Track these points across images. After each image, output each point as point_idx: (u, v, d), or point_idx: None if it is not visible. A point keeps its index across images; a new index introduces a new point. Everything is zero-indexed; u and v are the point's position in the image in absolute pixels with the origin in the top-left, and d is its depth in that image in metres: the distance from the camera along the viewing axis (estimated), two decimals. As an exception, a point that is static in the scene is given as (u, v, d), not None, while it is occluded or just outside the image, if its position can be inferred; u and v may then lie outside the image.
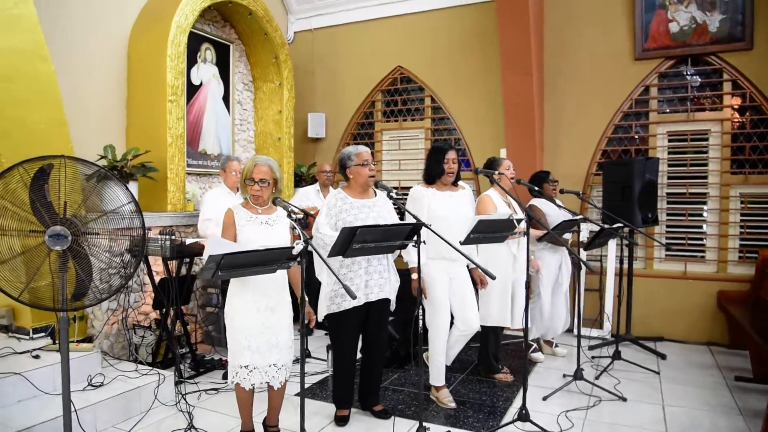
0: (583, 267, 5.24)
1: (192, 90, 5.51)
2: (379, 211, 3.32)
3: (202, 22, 5.67)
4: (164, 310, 4.09)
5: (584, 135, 5.74)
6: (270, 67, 6.29)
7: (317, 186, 5.69)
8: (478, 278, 3.81)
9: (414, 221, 2.85)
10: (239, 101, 6.24)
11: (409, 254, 3.56)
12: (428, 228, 2.88)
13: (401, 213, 4.17)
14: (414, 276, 3.58)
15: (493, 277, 2.71)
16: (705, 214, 5.42)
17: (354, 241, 2.68)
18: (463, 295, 3.71)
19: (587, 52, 5.68)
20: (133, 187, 4.47)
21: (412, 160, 6.67)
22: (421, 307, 2.97)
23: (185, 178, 5.06)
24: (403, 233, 2.85)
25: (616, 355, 4.52)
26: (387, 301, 3.37)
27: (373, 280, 3.25)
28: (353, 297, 2.29)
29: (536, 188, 3.96)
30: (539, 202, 4.64)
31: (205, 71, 5.68)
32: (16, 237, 2.49)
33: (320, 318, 3.30)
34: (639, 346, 5.03)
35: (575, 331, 4.18)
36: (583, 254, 4.91)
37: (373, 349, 3.46)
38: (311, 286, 3.70)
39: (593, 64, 5.66)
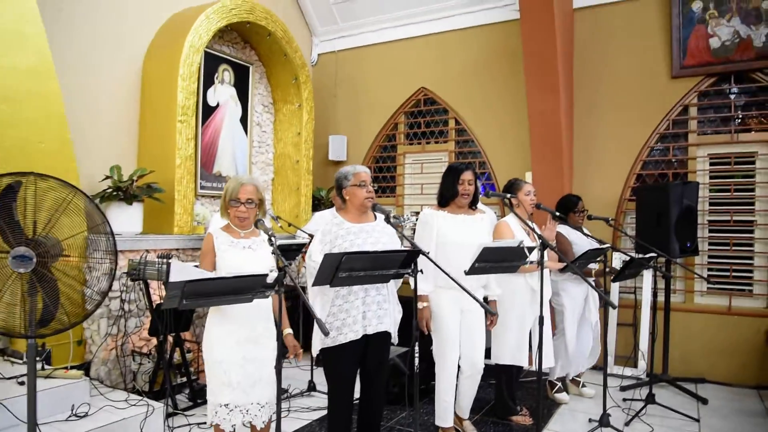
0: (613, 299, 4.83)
1: (208, 111, 5.44)
2: (378, 237, 3.06)
3: (221, 43, 5.63)
4: (162, 336, 3.91)
5: (617, 158, 5.37)
6: (290, 89, 6.19)
7: (334, 210, 5.49)
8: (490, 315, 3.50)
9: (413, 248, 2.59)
10: (258, 123, 6.15)
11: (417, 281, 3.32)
12: (425, 255, 2.61)
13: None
14: (420, 305, 3.31)
15: (491, 312, 2.42)
16: (752, 243, 4.94)
17: (340, 269, 2.44)
18: (472, 331, 3.41)
19: (621, 70, 5.34)
20: (138, 208, 4.37)
21: (435, 184, 6.36)
22: (418, 340, 2.68)
23: (194, 200, 4.94)
24: (397, 261, 2.59)
25: (650, 399, 4.08)
26: (387, 334, 3.09)
27: (371, 311, 2.97)
28: (325, 333, 2.03)
29: (557, 213, 3.64)
30: (565, 230, 4.30)
31: (223, 92, 5.61)
32: (-19, 258, 2.35)
33: (314, 352, 3.05)
34: (677, 389, 4.55)
35: (606, 370, 3.77)
36: (614, 287, 4.52)
37: (372, 387, 3.16)
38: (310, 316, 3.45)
39: (627, 82, 5.32)
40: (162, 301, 3.97)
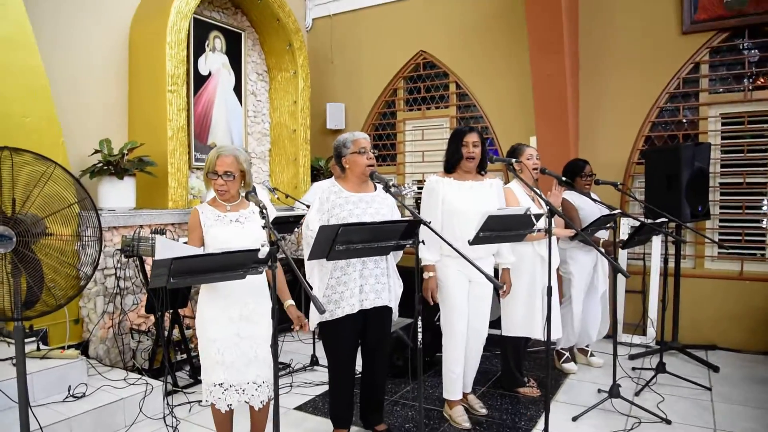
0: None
1: (200, 81, 5.25)
2: (378, 207, 2.92)
3: (210, 9, 5.40)
4: (159, 313, 3.81)
5: (625, 119, 5.17)
6: (284, 56, 5.97)
7: (333, 179, 5.35)
8: (502, 281, 3.38)
9: (414, 218, 2.45)
10: (253, 92, 5.95)
11: (421, 250, 3.17)
12: (427, 226, 2.47)
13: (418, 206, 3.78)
14: (425, 275, 3.20)
15: (498, 286, 2.29)
16: (765, 206, 4.78)
17: (336, 242, 2.31)
18: (479, 301, 3.30)
19: (628, 27, 5.10)
20: (130, 183, 4.22)
21: (437, 151, 6.23)
22: (421, 312, 2.56)
23: (189, 173, 4.80)
24: (397, 232, 2.46)
25: (661, 368, 3.98)
26: (387, 309, 2.97)
27: (369, 284, 2.86)
28: (321, 311, 1.91)
29: (564, 179, 3.49)
30: (572, 195, 4.15)
31: (214, 61, 5.40)
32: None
33: (312, 326, 2.95)
34: (687, 356, 4.46)
35: (615, 338, 3.65)
36: (622, 253, 4.39)
37: (373, 362, 3.08)
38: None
39: (634, 40, 5.08)
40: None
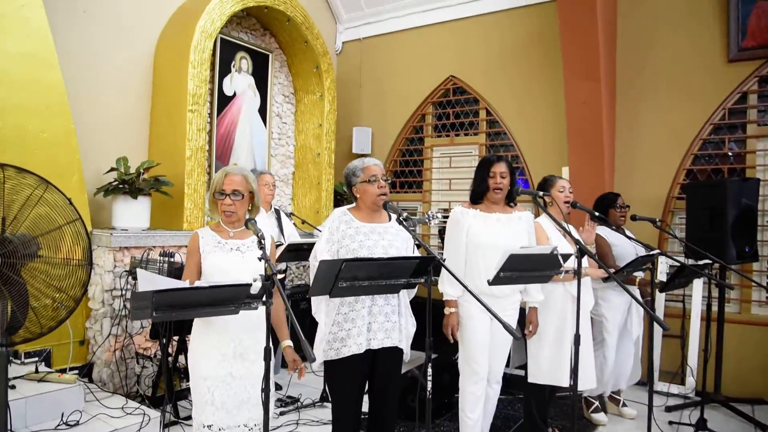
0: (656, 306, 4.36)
1: (225, 101, 5.18)
2: (390, 239, 2.71)
3: (238, 30, 5.37)
4: (163, 339, 3.66)
5: (665, 151, 4.87)
6: (311, 78, 5.89)
7: (345, 208, 5.18)
8: (529, 321, 3.12)
9: (428, 255, 2.25)
10: (278, 114, 5.87)
11: (443, 284, 3.00)
12: (441, 264, 2.25)
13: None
14: (446, 311, 2.97)
15: (516, 337, 2.05)
16: (820, 249, 4.39)
17: (340, 278, 2.11)
18: (498, 341, 3.04)
19: (669, 53, 4.83)
20: (145, 202, 4.13)
21: (465, 179, 6.01)
22: (438, 350, 2.33)
23: (206, 194, 4.69)
24: (408, 269, 2.24)
25: (702, 423, 3.60)
26: (396, 350, 2.74)
27: (377, 323, 2.63)
28: (311, 359, 1.70)
29: (597, 213, 3.22)
30: (606, 231, 3.86)
31: (240, 81, 5.34)
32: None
33: (316, 365, 2.73)
34: (731, 411, 4.06)
35: (651, 387, 3.29)
36: (660, 297, 4.06)
37: (381, 405, 2.82)
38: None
39: (676, 66, 4.80)
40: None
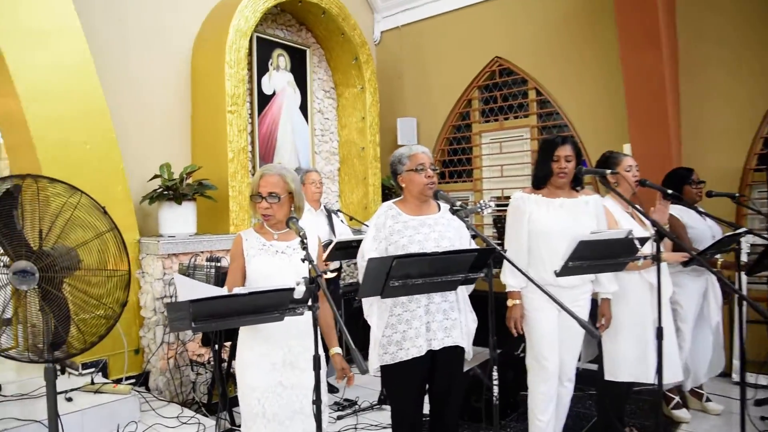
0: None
1: (264, 101, 5.09)
2: (442, 231, 2.52)
3: (274, 27, 5.26)
4: (215, 345, 3.58)
5: (737, 120, 4.45)
6: (351, 71, 5.73)
7: (391, 202, 5.00)
8: (601, 314, 2.86)
9: (486, 246, 2.03)
10: (320, 110, 5.74)
11: (505, 275, 2.79)
12: (502, 255, 2.04)
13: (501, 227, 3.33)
14: (509, 302, 2.75)
15: (594, 335, 1.81)
16: None
17: (391, 276, 1.92)
18: (568, 334, 2.78)
19: (737, 14, 4.39)
20: (190, 208, 4.07)
21: (517, 165, 5.72)
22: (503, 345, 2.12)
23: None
24: (466, 263, 2.04)
25: (800, 418, 3.25)
26: (458, 348, 2.54)
27: (436, 321, 2.45)
28: (362, 371, 1.53)
29: (670, 192, 2.91)
30: (679, 211, 3.52)
31: (279, 79, 5.23)
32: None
33: (372, 370, 2.56)
34: (833, 403, 3.66)
35: (744, 379, 2.94)
36: (745, 280, 3.67)
37: (443, 408, 2.63)
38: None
39: (747, 24, 4.35)
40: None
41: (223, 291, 1.76)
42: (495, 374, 2.08)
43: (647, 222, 2.62)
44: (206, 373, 3.89)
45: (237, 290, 1.65)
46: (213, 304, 1.66)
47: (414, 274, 1.96)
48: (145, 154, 4.23)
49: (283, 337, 2.14)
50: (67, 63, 3.62)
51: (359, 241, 4.25)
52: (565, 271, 2.18)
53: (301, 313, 1.88)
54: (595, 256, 2.19)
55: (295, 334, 2.15)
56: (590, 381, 3.28)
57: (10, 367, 3.61)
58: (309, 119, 5.51)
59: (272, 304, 1.77)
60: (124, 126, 4.05)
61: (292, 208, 2.27)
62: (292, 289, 1.73)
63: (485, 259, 2.05)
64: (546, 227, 2.72)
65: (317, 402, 1.80)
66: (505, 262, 2.55)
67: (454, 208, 2.33)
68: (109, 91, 3.86)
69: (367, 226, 4.29)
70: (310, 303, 1.78)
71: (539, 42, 5.41)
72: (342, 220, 4.35)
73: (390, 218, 2.55)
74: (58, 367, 2.16)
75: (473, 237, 2.59)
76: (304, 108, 5.48)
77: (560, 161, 2.73)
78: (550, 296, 1.94)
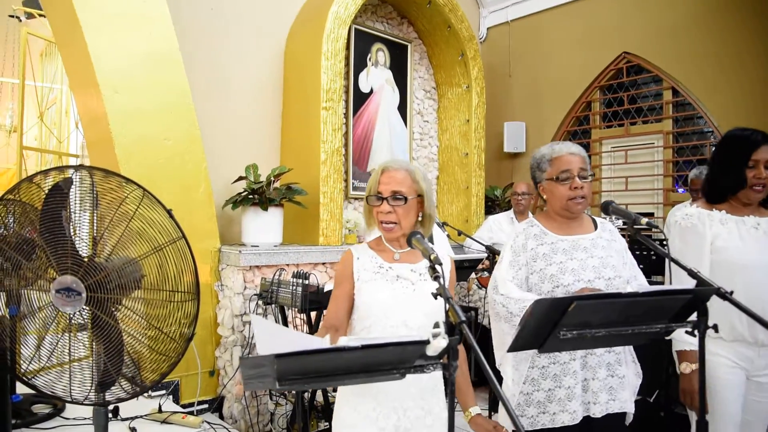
0: None
1: (360, 99, 4.61)
2: (603, 257, 1.85)
3: (373, 19, 4.79)
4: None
5: None
6: (455, 68, 5.15)
7: (511, 213, 4.35)
8: None
9: (692, 285, 1.36)
10: (419, 111, 5.19)
11: (679, 331, 2.04)
12: (728, 298, 1.35)
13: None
14: (684, 368, 2.02)
15: None
16: None
17: (562, 324, 1.29)
18: (759, 409, 2.02)
19: None
20: (277, 214, 3.62)
21: (645, 177, 4.89)
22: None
23: (344, 203, 4.12)
24: (672, 309, 1.37)
25: None
26: (621, 415, 1.86)
27: (598, 380, 1.78)
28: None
29: None
30: None
31: (377, 76, 4.74)
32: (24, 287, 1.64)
33: (504, 436, 1.93)
34: None
35: None
36: None
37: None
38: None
39: None
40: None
41: (316, 341, 1.19)
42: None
43: None
44: (287, 404, 3.39)
45: (345, 342, 1.08)
46: (308, 361, 1.10)
47: (595, 322, 1.32)
48: (230, 154, 3.85)
49: (398, 396, 1.56)
50: (152, 52, 3.29)
51: (472, 261, 3.63)
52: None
53: (431, 371, 1.28)
54: None
55: (415, 393, 1.57)
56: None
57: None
58: (408, 121, 4.97)
59: (393, 361, 1.19)
60: (210, 121, 3.69)
61: (419, 217, 1.69)
62: (426, 342, 1.13)
63: (700, 302, 1.37)
64: (743, 258, 1.96)
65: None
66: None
67: (636, 225, 1.66)
68: (195, 84, 3.50)
69: (475, 240, 3.65)
70: (447, 360, 1.19)
71: (678, 34, 4.56)
72: (447, 234, 3.75)
73: (532, 238, 1.91)
74: (109, 409, 1.69)
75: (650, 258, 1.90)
76: (402, 109, 4.95)
77: (758, 167, 1.98)
78: None
